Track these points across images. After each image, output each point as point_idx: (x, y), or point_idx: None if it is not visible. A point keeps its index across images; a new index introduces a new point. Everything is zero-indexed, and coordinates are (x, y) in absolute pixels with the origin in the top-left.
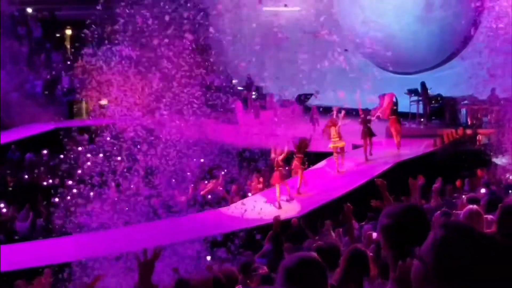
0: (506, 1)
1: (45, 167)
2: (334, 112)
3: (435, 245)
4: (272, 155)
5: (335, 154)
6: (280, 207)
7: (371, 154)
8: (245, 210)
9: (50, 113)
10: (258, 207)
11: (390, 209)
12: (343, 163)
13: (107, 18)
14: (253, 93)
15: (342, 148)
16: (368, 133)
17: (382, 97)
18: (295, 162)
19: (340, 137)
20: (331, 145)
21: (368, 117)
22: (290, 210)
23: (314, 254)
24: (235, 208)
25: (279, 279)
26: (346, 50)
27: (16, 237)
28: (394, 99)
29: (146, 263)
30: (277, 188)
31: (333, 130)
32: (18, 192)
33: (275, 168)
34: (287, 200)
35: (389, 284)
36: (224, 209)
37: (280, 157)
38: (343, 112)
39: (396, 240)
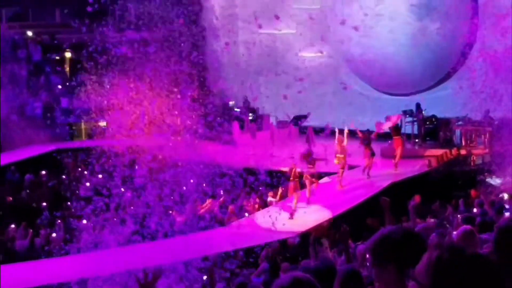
0: (503, 19)
1: (44, 188)
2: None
3: (431, 266)
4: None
5: (340, 170)
6: (292, 217)
7: (368, 175)
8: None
9: (50, 134)
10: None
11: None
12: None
13: (104, 42)
14: (250, 114)
15: (344, 164)
16: (370, 153)
17: (388, 117)
18: (305, 174)
19: (344, 153)
20: (336, 161)
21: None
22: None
23: (308, 274)
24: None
25: None
26: (345, 88)
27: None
28: (399, 121)
29: (147, 285)
30: (295, 197)
31: (338, 147)
32: (17, 212)
33: (291, 179)
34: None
35: None
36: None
37: (297, 169)
38: (346, 130)
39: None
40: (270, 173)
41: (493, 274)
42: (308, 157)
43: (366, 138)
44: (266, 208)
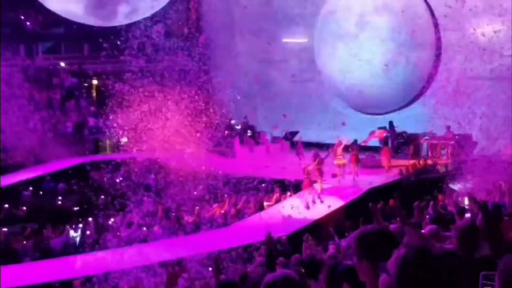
0: (457, 54)
1: (75, 195)
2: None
3: (397, 261)
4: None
5: (338, 169)
6: (308, 208)
7: (354, 179)
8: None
9: (79, 149)
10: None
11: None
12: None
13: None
14: (248, 131)
15: (343, 165)
16: (356, 160)
17: (372, 133)
18: (316, 172)
19: (343, 155)
20: (335, 162)
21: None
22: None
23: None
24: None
25: None
26: (343, 123)
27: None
28: (384, 135)
29: (174, 275)
30: (308, 191)
31: (338, 150)
32: (52, 215)
33: (305, 176)
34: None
35: None
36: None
37: (310, 167)
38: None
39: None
40: (262, 181)
41: (453, 266)
42: (317, 159)
43: (353, 148)
44: (285, 201)
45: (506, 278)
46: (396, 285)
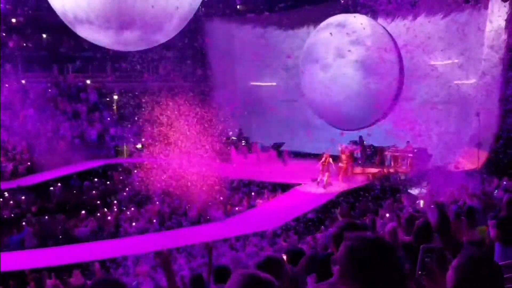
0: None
1: (97, 191)
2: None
3: (343, 252)
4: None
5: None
6: (325, 188)
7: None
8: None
9: (101, 153)
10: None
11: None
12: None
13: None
14: (243, 141)
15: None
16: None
17: (345, 147)
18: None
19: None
20: (340, 164)
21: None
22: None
23: (280, 255)
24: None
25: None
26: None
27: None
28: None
29: (165, 260)
30: (326, 176)
31: (343, 156)
32: (78, 208)
33: (323, 163)
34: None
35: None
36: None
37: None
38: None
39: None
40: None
41: (390, 255)
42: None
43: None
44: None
45: (461, 273)
46: (343, 273)
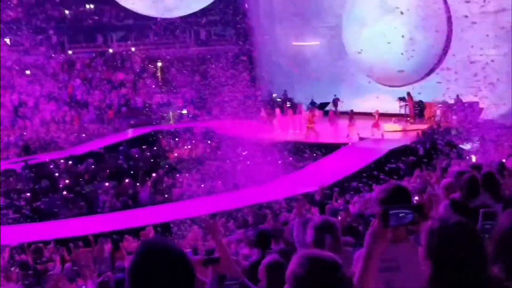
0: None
1: (144, 158)
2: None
3: (429, 236)
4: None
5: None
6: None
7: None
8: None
9: (147, 120)
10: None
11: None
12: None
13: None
14: (288, 102)
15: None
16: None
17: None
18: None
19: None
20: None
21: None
22: None
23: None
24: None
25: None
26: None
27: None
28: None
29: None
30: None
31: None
32: (126, 174)
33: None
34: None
35: None
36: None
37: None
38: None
39: None
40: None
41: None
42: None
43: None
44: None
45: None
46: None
